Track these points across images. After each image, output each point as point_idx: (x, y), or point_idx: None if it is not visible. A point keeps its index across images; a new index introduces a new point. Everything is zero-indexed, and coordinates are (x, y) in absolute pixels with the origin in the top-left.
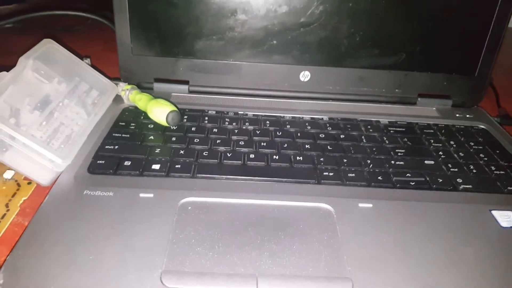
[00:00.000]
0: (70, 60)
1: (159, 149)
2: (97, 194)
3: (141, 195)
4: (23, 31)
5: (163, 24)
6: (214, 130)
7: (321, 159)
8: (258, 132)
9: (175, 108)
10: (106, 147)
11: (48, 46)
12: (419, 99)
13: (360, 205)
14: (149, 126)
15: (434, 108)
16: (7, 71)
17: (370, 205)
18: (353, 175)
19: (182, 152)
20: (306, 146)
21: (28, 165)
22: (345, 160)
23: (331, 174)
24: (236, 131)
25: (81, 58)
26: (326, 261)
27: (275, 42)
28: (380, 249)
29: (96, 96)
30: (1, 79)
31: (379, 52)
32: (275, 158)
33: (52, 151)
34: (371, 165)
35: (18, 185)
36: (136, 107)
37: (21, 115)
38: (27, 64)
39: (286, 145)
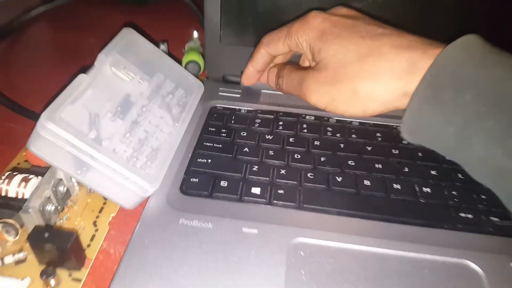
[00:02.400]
0: (152, 53)
1: (257, 167)
2: (195, 224)
3: (244, 229)
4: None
5: (258, 10)
6: (315, 142)
7: (454, 192)
8: (369, 149)
9: (194, 59)
10: (198, 160)
11: (128, 37)
12: None
13: None
14: (242, 133)
15: None
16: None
17: None
18: (497, 219)
19: (283, 171)
20: (432, 172)
21: (111, 188)
22: (483, 197)
23: (469, 216)
24: (342, 145)
25: (156, 43)
26: None
27: None
28: None
29: (182, 96)
30: (80, 84)
31: None
32: (396, 188)
33: (139, 173)
34: None
35: (105, 197)
36: (224, 107)
37: (102, 125)
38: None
39: (406, 169)
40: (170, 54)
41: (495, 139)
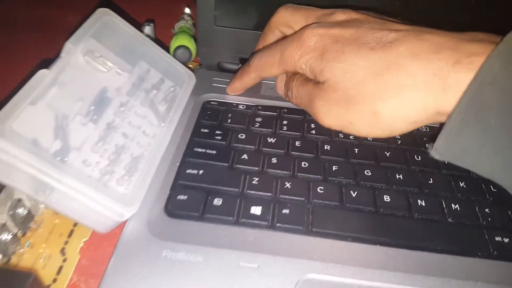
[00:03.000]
0: (134, 38)
1: (257, 179)
2: (182, 258)
3: (242, 264)
4: None
5: None
6: (325, 147)
7: (487, 210)
8: (388, 154)
9: (184, 43)
10: (188, 171)
11: (104, 19)
12: None
13: None
14: (240, 136)
15: None
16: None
17: None
18: None
19: (288, 185)
20: (460, 183)
21: (80, 211)
22: None
23: (507, 240)
24: (356, 149)
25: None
26: None
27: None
28: None
29: (169, 90)
30: (40, 82)
31: None
32: (420, 205)
33: (112, 195)
34: None
35: None
36: (218, 102)
37: (69, 131)
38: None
39: (431, 180)
40: (156, 37)
41: None
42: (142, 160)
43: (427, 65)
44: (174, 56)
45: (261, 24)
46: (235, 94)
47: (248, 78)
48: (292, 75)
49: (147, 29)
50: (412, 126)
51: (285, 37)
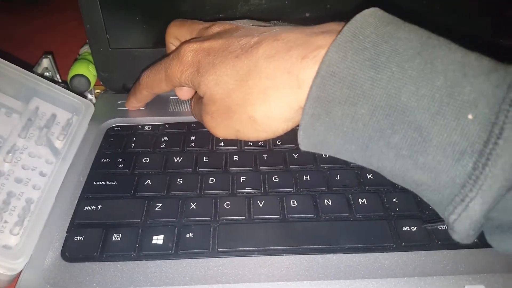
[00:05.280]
0: (22, 78)
1: (160, 204)
2: None
3: None
4: None
5: (147, 4)
6: (234, 158)
7: (395, 199)
8: (296, 156)
9: (80, 71)
10: (86, 208)
11: None
12: None
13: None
14: (143, 160)
15: None
16: None
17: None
18: (444, 227)
19: (193, 205)
20: (368, 176)
21: None
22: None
23: (413, 228)
24: (265, 156)
25: (36, 61)
26: None
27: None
28: None
29: (66, 122)
30: None
31: None
32: (327, 204)
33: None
34: None
35: None
36: (123, 126)
37: None
38: None
39: (338, 176)
40: (58, 70)
41: (405, 156)
42: (36, 204)
43: (281, 65)
44: (71, 85)
45: (157, 41)
46: (134, 109)
47: (141, 95)
48: (194, 95)
49: (45, 61)
50: (289, 124)
51: (170, 53)
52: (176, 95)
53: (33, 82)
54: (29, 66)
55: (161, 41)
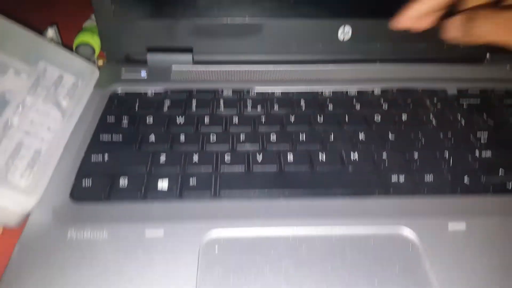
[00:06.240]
0: (28, 38)
1: (165, 155)
2: (87, 236)
3: (148, 233)
4: None
5: None
6: (234, 120)
7: (384, 155)
8: (292, 119)
9: (85, 40)
10: (93, 158)
11: None
12: (488, 55)
13: (450, 227)
14: (147, 119)
15: (507, 67)
16: None
17: (463, 226)
18: (431, 178)
19: (196, 158)
20: (360, 136)
21: None
22: (416, 155)
23: (401, 179)
24: (263, 119)
25: (41, 32)
26: None
27: None
28: None
29: (71, 84)
30: None
31: None
32: (321, 159)
33: (11, 186)
34: (451, 161)
35: None
36: (126, 92)
37: None
38: None
39: (332, 136)
40: (63, 41)
41: None
42: (42, 155)
43: None
44: (77, 52)
45: (161, 10)
46: (403, 25)
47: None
48: (475, 8)
49: (50, 31)
50: None
51: None
52: (179, 65)
53: (41, 45)
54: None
55: (168, 11)
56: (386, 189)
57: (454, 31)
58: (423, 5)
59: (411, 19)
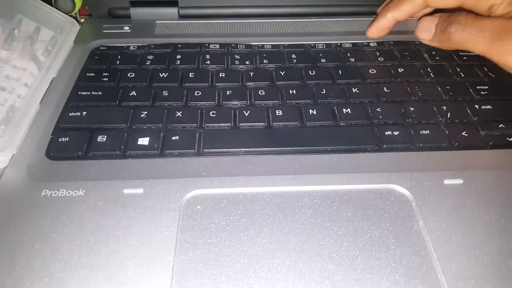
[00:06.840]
0: None
1: (146, 112)
2: (61, 194)
3: (126, 191)
4: None
5: None
6: (221, 74)
7: (378, 109)
8: (282, 74)
9: None
10: (71, 114)
11: None
12: None
13: (446, 181)
14: (129, 74)
15: None
16: None
17: (460, 181)
18: (427, 132)
19: (179, 114)
20: (353, 89)
21: None
22: (411, 108)
23: (396, 133)
24: (251, 74)
25: None
26: (411, 283)
27: None
28: (489, 255)
29: (50, 39)
30: None
31: None
32: (312, 113)
33: None
34: (448, 114)
35: None
36: (108, 46)
37: None
38: None
39: (324, 90)
40: None
41: None
42: (20, 110)
43: None
44: (56, 7)
45: None
46: (376, 36)
47: (411, 4)
48: (457, 13)
49: None
50: None
51: None
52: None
53: None
54: None
55: None
56: (380, 144)
57: (427, 32)
58: (398, 13)
59: (385, 29)
